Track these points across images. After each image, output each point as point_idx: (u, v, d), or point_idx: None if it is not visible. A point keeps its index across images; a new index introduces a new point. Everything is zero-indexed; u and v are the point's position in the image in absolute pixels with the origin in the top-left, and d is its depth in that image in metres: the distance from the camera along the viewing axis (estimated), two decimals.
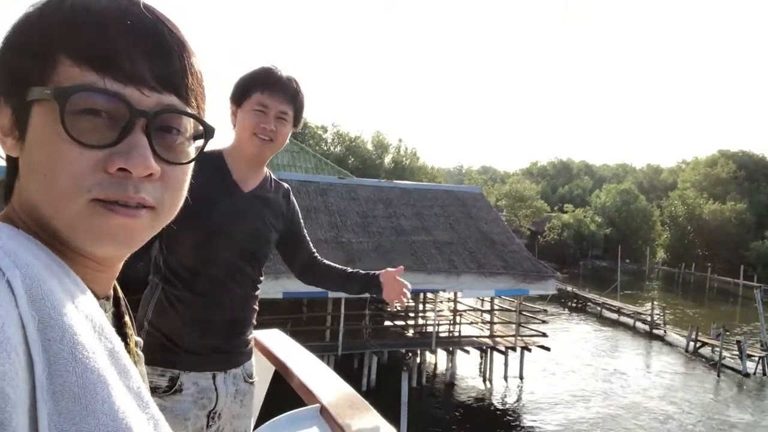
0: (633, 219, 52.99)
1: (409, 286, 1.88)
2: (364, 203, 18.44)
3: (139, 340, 0.66)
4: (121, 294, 0.63)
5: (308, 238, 1.97)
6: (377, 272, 1.92)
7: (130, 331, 0.63)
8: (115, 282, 0.62)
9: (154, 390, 1.53)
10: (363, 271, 1.97)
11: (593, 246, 52.19)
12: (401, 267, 1.93)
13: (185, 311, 1.61)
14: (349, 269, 2.00)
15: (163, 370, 1.57)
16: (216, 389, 1.63)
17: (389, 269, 1.90)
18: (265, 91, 1.64)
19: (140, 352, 0.64)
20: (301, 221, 1.94)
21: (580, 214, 53.63)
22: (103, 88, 0.49)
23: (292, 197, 1.90)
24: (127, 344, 0.58)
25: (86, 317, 0.47)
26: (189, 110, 0.55)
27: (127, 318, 0.63)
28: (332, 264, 1.99)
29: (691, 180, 61.38)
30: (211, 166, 1.68)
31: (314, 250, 1.99)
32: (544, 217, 54.74)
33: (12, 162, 0.54)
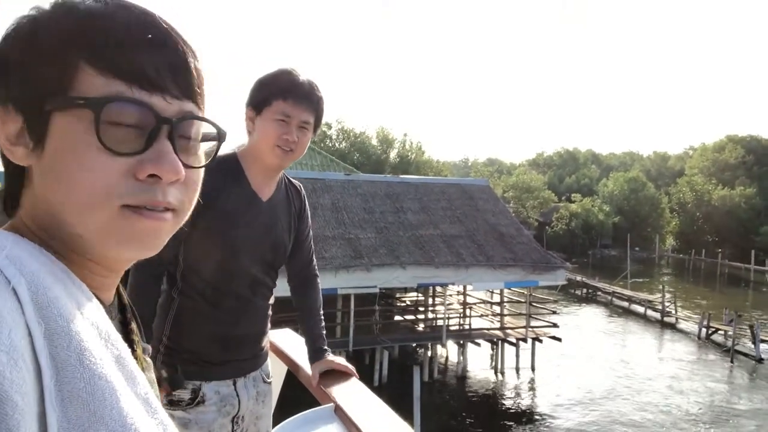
0: (641, 207, 52.70)
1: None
2: (370, 199, 18.44)
3: (147, 346, 0.66)
4: (127, 301, 0.64)
5: (312, 246, 1.91)
6: (313, 359, 1.79)
7: (137, 337, 0.63)
8: (121, 289, 0.62)
9: (178, 403, 1.55)
10: (313, 342, 1.81)
11: (602, 235, 51.95)
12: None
13: (208, 327, 1.61)
14: (311, 323, 1.84)
15: (184, 383, 1.58)
16: (237, 395, 1.65)
17: (335, 364, 1.77)
18: (288, 99, 1.59)
19: (148, 359, 0.65)
20: (309, 224, 1.89)
21: (588, 203, 53.38)
22: (134, 98, 0.51)
23: (305, 198, 1.88)
24: (134, 351, 0.58)
25: (92, 324, 0.47)
26: (203, 115, 0.57)
27: (134, 325, 0.63)
28: (314, 304, 1.87)
29: (699, 166, 60.91)
30: (230, 174, 1.64)
31: (314, 262, 1.91)
32: (551, 208, 54.53)
33: (16, 171, 0.54)
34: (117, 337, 0.50)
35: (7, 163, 0.54)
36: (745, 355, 21.84)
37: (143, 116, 0.51)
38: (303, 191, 1.87)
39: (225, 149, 1.71)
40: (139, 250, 0.54)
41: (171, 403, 1.55)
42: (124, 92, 0.50)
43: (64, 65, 0.50)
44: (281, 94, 1.59)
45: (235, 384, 1.65)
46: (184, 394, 1.57)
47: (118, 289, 0.61)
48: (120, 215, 0.51)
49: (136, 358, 0.56)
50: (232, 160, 1.66)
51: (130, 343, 0.59)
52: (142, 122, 0.51)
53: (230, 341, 1.64)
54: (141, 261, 0.57)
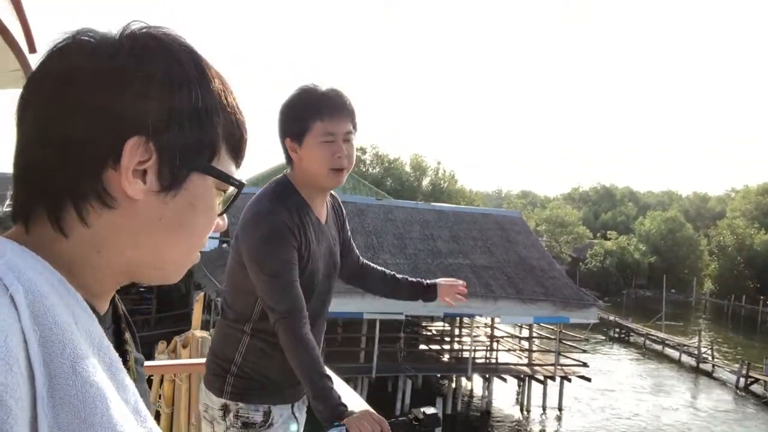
0: (679, 248, 51.36)
1: (465, 285, 1.96)
2: (401, 224, 18.40)
3: (140, 357, 0.67)
4: (122, 311, 0.65)
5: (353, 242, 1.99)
6: (430, 282, 1.96)
7: (130, 347, 0.64)
8: (118, 300, 0.64)
9: (252, 425, 1.65)
10: (414, 279, 1.99)
11: (637, 275, 50.71)
12: (463, 283, 1.97)
13: (282, 360, 1.63)
14: (399, 276, 2.00)
15: (257, 406, 1.66)
16: (295, 417, 1.74)
17: (447, 279, 1.94)
18: (326, 117, 1.58)
19: (140, 370, 0.66)
20: (348, 226, 1.94)
21: (624, 241, 52.30)
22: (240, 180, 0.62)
23: (341, 204, 1.92)
24: (126, 361, 0.60)
25: (86, 332, 0.49)
26: None
27: (127, 335, 0.65)
28: (381, 269, 2.01)
29: (742, 209, 59.19)
30: (300, 209, 1.65)
31: (359, 254, 2.01)
32: (585, 244, 53.57)
33: (91, 191, 0.53)
34: (108, 345, 0.51)
35: (51, 176, 0.53)
36: None
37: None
38: (338, 197, 1.91)
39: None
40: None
41: (245, 425, 1.63)
42: (234, 171, 0.61)
43: (216, 139, 0.58)
44: (317, 115, 1.58)
45: (292, 407, 1.73)
46: (257, 416, 1.64)
47: (113, 299, 0.62)
48: (195, 255, 0.62)
49: (128, 368, 0.57)
50: (293, 190, 1.66)
51: (123, 352, 0.61)
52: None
53: None
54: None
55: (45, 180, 0.52)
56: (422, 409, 1.44)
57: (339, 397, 1.45)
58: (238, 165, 0.62)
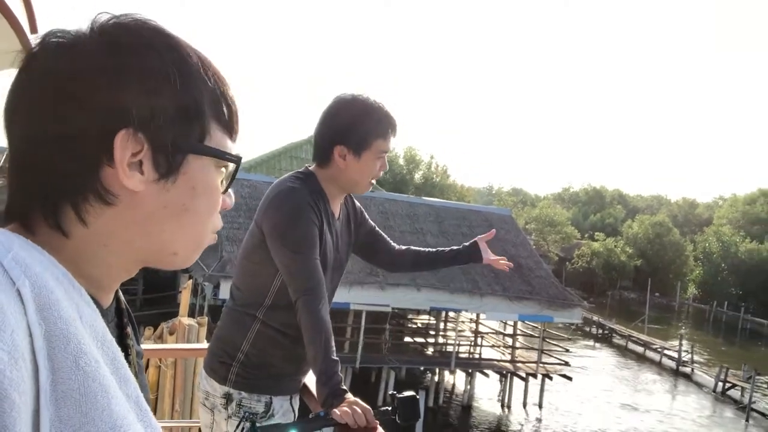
0: (665, 252, 51.72)
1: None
2: (390, 217, 18.42)
3: (140, 349, 0.68)
4: (124, 305, 0.66)
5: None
6: (468, 244, 1.99)
7: (132, 341, 0.65)
8: (120, 293, 0.65)
9: (254, 415, 1.66)
10: (453, 249, 2.02)
11: (622, 276, 51.03)
12: (493, 231, 2.01)
13: (290, 348, 1.68)
14: (435, 250, 2.05)
15: (259, 396, 1.67)
16: (293, 408, 1.77)
17: (482, 237, 1.97)
18: (387, 138, 1.69)
19: (141, 363, 0.67)
20: (367, 216, 1.97)
21: (611, 243, 52.57)
22: (239, 154, 0.62)
23: (355, 203, 1.95)
24: (128, 355, 0.61)
25: (90, 327, 0.49)
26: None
27: (129, 329, 0.65)
28: (418, 249, 2.05)
29: (729, 217, 59.68)
30: (321, 201, 1.69)
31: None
32: (573, 244, 53.83)
33: (61, 185, 0.53)
34: (111, 340, 0.52)
35: (47, 171, 0.53)
36: (762, 414, 21.12)
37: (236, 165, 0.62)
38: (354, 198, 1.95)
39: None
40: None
41: (246, 415, 1.66)
42: (230, 145, 0.61)
43: (204, 119, 0.58)
44: (382, 135, 1.67)
45: (291, 400, 1.75)
46: (259, 407, 1.67)
47: (116, 293, 0.63)
48: (209, 237, 0.62)
49: (129, 362, 0.57)
50: (316, 182, 1.71)
51: (125, 347, 0.62)
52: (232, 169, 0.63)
53: (302, 360, 1.70)
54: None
55: (40, 183, 0.53)
56: (404, 393, 1.47)
57: (341, 382, 1.48)
58: (233, 138, 0.62)
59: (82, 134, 0.52)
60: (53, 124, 0.52)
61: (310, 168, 1.75)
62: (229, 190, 0.64)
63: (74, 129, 0.52)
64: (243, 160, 0.65)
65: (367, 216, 1.96)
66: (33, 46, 0.55)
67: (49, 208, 0.53)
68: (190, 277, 12.08)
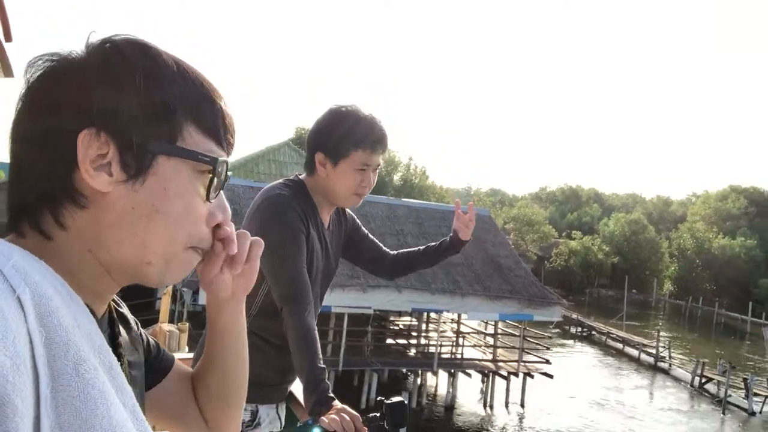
0: (641, 249, 52.62)
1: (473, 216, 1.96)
2: (371, 219, 18.41)
3: (133, 360, 0.69)
4: (116, 315, 0.67)
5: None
6: (450, 236, 2.00)
7: (124, 351, 0.66)
8: (112, 303, 0.65)
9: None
10: (436, 243, 2.03)
11: (600, 274, 51.79)
12: (471, 204, 2.01)
13: (275, 357, 1.66)
14: (424, 248, 2.04)
15: (245, 405, 1.63)
16: (279, 417, 1.77)
17: (459, 215, 1.96)
18: (368, 149, 1.62)
19: (133, 372, 0.67)
20: (360, 225, 1.96)
21: (588, 241, 53.33)
22: (226, 158, 0.61)
23: (347, 213, 1.92)
24: (121, 364, 0.61)
25: (87, 335, 0.50)
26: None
27: (121, 339, 0.66)
28: (408, 250, 2.04)
29: (701, 213, 61.02)
30: (309, 211, 1.67)
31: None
32: (551, 243, 54.45)
33: (58, 189, 0.55)
34: (107, 349, 0.53)
35: (43, 179, 0.55)
36: (738, 407, 21.56)
37: (224, 171, 0.60)
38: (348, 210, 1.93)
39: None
40: (179, 280, 0.62)
41: None
42: (215, 150, 0.59)
43: (174, 120, 0.57)
44: (359, 145, 1.61)
45: (277, 408, 1.75)
46: (245, 415, 1.65)
47: (109, 303, 0.63)
48: (188, 253, 0.60)
49: (123, 371, 0.58)
50: (305, 192, 1.69)
51: (118, 356, 0.62)
52: (222, 176, 0.60)
53: (288, 369, 1.69)
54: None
55: (24, 189, 0.55)
56: (392, 399, 1.46)
57: (329, 389, 1.47)
58: (224, 147, 0.61)
59: (53, 137, 0.53)
60: (29, 130, 0.54)
61: (300, 176, 1.75)
62: (226, 206, 0.64)
63: (46, 132, 0.53)
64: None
65: (360, 224, 1.95)
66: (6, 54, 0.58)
67: (31, 212, 0.55)
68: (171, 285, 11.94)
